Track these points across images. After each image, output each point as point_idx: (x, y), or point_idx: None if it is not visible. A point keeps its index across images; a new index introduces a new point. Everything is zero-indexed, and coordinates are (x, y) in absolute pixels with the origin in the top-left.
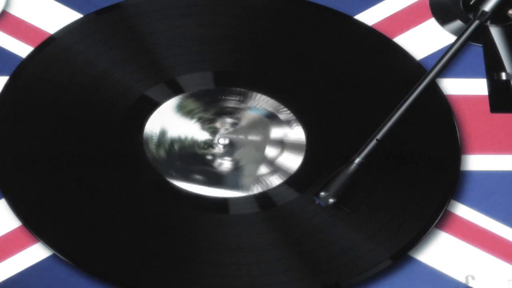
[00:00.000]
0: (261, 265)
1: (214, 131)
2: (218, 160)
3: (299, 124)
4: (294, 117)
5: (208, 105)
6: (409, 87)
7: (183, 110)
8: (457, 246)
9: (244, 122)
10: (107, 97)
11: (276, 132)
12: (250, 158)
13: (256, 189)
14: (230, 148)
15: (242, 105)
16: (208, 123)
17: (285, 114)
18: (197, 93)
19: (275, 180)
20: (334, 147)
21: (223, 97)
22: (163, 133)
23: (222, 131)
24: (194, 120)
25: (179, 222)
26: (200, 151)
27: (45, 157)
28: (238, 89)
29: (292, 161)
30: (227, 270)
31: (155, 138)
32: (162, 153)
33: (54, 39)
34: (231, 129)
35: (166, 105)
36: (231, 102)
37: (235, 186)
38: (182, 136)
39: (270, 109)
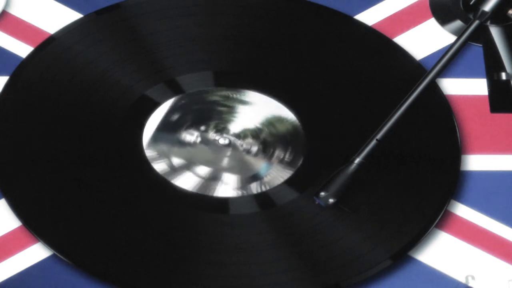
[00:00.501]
0: (261, 265)
1: (242, 136)
2: (196, 133)
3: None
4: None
5: (281, 143)
6: (409, 87)
7: (274, 119)
8: (457, 246)
9: (262, 160)
10: (107, 97)
11: (252, 188)
12: (203, 157)
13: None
14: (215, 144)
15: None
16: (254, 135)
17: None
18: (296, 133)
19: (184, 182)
20: (334, 147)
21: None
22: (245, 103)
23: (241, 140)
24: (258, 125)
25: (179, 222)
26: (210, 122)
27: (45, 157)
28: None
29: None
30: (227, 270)
31: (232, 95)
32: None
33: (54, 39)
34: (246, 146)
35: (283, 110)
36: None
37: (158, 142)
38: (235, 118)
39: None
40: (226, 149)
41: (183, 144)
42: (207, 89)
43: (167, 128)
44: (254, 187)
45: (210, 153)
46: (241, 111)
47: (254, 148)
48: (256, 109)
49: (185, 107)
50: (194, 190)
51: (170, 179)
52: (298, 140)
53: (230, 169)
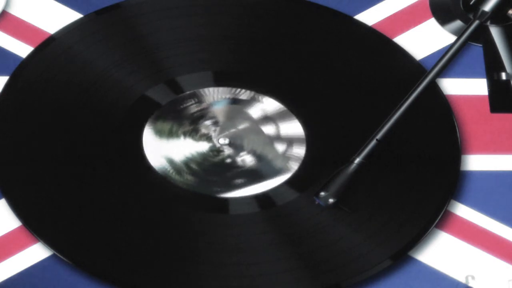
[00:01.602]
0: (261, 265)
1: (207, 138)
2: (238, 159)
3: (270, 96)
4: (255, 93)
5: (178, 119)
6: (409, 87)
7: (163, 134)
8: (457, 246)
9: (220, 117)
10: (107, 97)
11: (254, 112)
12: (260, 143)
13: (285, 170)
14: (236, 144)
15: (204, 105)
16: (195, 134)
17: (244, 94)
18: (159, 114)
19: (296, 154)
20: (334, 147)
21: (181, 106)
22: (171, 161)
23: (212, 134)
24: (182, 137)
25: (179, 222)
26: (216, 159)
27: (45, 157)
28: (187, 93)
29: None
30: (227, 270)
31: (170, 169)
32: (189, 177)
33: (54, 39)
34: (217, 129)
35: (147, 138)
36: (192, 107)
37: (274, 172)
38: (189, 155)
39: (228, 95)
40: (232, 129)
41: (260, 156)
42: (166, 174)
43: (252, 176)
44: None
45: (250, 134)
46: (177, 154)
47: (211, 119)
48: (163, 148)
49: (217, 177)
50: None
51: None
52: (167, 109)
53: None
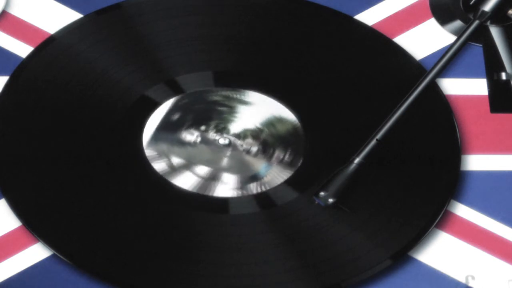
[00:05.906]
0: (261, 265)
1: (242, 136)
2: (196, 133)
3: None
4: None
5: (281, 143)
6: (409, 87)
7: (275, 120)
8: (457, 246)
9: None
10: (107, 97)
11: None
12: (203, 157)
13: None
14: (215, 144)
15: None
16: (254, 135)
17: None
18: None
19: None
20: (334, 147)
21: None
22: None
23: (241, 141)
24: (259, 125)
25: (179, 222)
26: (211, 122)
27: (45, 157)
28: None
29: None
30: (227, 270)
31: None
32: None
33: (54, 39)
34: (246, 147)
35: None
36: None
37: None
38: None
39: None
40: (226, 149)
41: (183, 143)
42: (208, 89)
43: (168, 128)
44: (254, 187)
45: (210, 153)
46: (241, 111)
47: (254, 148)
48: (256, 109)
49: (186, 107)
50: (194, 190)
51: (170, 179)
52: (298, 140)
53: (229, 169)
